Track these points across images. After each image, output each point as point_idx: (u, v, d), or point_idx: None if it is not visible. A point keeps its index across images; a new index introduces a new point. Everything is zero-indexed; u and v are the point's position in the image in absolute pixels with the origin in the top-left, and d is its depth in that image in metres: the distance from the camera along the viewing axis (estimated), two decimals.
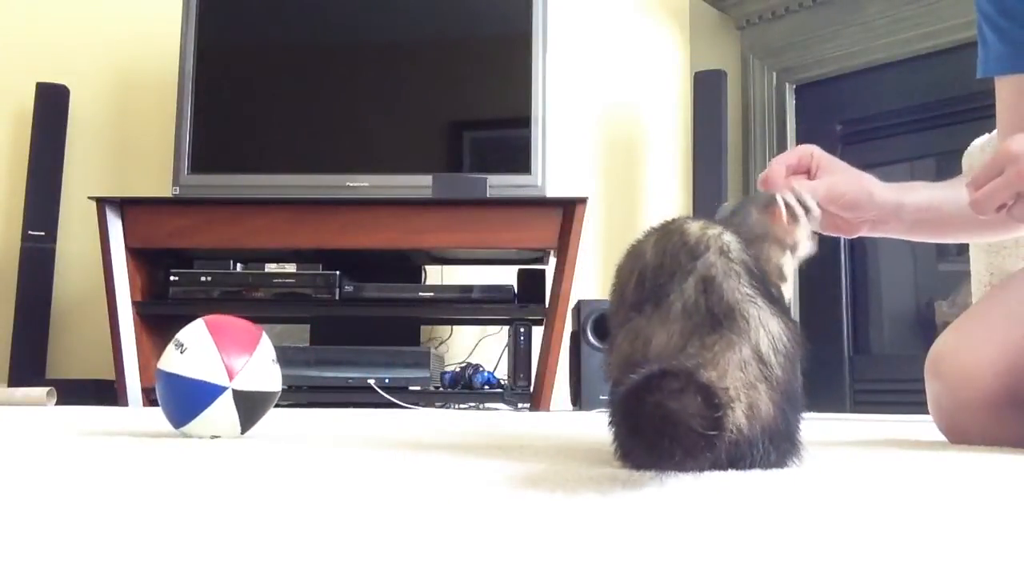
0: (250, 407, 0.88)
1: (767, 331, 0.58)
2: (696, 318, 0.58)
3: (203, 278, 2.51)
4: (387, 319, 2.62)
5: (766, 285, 0.61)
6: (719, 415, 0.48)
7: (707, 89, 2.90)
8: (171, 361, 0.86)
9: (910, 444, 0.96)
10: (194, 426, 0.87)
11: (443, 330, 2.95)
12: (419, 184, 2.54)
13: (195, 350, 0.86)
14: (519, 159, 2.59)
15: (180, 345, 0.87)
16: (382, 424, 1.30)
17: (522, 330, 2.56)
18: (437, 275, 2.87)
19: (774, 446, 0.57)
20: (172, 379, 0.86)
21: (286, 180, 2.60)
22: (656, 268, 0.62)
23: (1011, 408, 0.88)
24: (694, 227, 0.63)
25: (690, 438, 0.46)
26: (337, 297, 2.50)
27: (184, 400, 0.86)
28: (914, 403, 1.11)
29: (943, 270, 2.80)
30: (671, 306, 0.59)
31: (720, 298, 0.58)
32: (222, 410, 0.86)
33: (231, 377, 0.85)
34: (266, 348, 0.90)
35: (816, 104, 3.01)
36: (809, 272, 2.99)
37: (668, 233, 0.64)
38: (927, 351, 1.00)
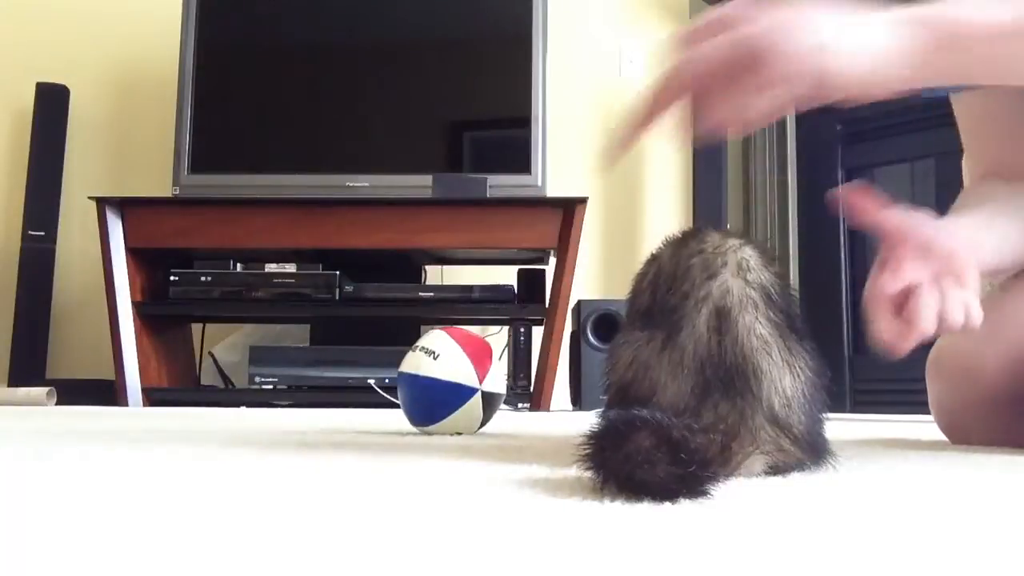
0: (490, 407, 0.99)
1: (779, 392, 0.54)
2: (708, 371, 0.54)
3: (203, 278, 2.51)
4: (387, 319, 2.62)
5: (786, 311, 0.57)
6: (692, 470, 0.44)
7: None
8: (426, 366, 0.97)
9: (910, 444, 0.96)
10: (442, 425, 0.97)
11: None
12: (419, 184, 2.54)
13: (448, 357, 0.97)
14: (519, 159, 2.59)
15: (431, 352, 0.97)
16: (382, 424, 1.30)
17: (522, 330, 2.56)
18: (437, 275, 2.87)
19: (803, 472, 0.56)
20: (428, 382, 0.96)
21: (286, 180, 2.60)
22: (669, 277, 0.59)
23: (1012, 410, 0.88)
24: (714, 235, 0.60)
25: (671, 497, 0.43)
26: (337, 297, 2.50)
27: (439, 401, 0.97)
28: (914, 403, 1.11)
29: None
30: (684, 349, 0.55)
31: (734, 341, 0.55)
32: (471, 410, 0.97)
33: (481, 380, 0.97)
34: (495, 355, 1.02)
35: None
36: (809, 272, 2.98)
37: (686, 239, 0.61)
38: (927, 351, 0.99)
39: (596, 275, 3.01)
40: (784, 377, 0.55)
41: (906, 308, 0.67)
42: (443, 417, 0.97)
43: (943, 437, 0.97)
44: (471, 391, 0.97)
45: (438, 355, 0.97)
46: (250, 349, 2.56)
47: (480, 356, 0.98)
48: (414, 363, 0.98)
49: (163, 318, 2.58)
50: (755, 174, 3.19)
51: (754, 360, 0.54)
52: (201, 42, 2.65)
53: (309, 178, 2.60)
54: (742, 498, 0.45)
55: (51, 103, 2.79)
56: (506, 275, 2.67)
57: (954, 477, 0.61)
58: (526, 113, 2.59)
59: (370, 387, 2.32)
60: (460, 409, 0.97)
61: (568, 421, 1.62)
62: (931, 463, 0.71)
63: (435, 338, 0.99)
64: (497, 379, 1.00)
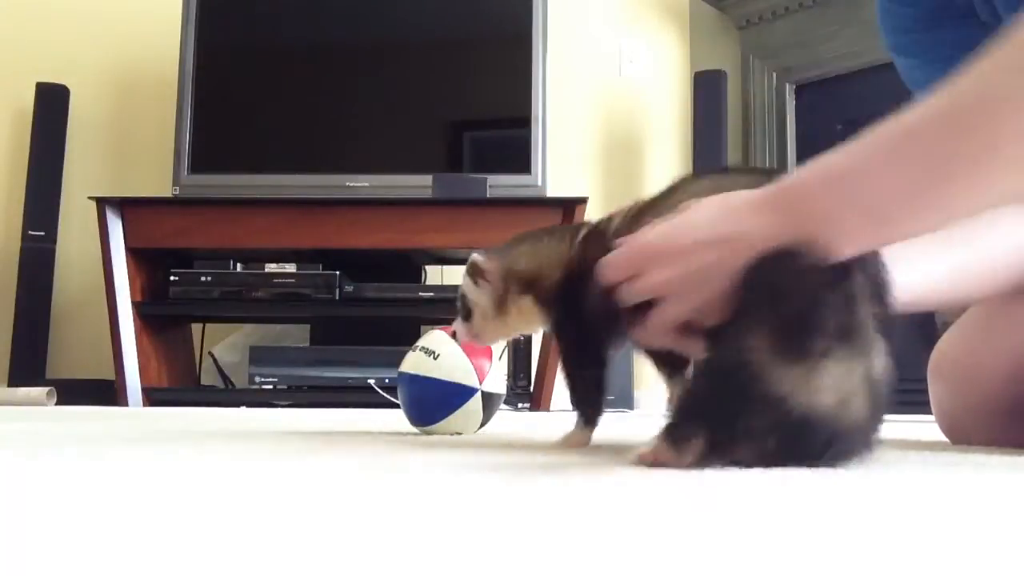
0: (490, 407, 0.99)
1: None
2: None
3: (203, 278, 2.51)
4: (387, 319, 2.62)
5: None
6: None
7: (707, 89, 2.90)
8: (426, 366, 0.96)
9: (910, 444, 0.96)
10: (442, 425, 0.97)
11: None
12: (419, 184, 2.55)
13: (448, 357, 0.96)
14: (519, 159, 2.59)
15: (431, 352, 0.97)
16: (382, 424, 1.30)
17: None
18: (437, 275, 2.87)
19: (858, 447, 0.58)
20: (428, 382, 0.96)
21: (286, 180, 2.60)
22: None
23: (1013, 412, 0.88)
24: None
25: None
26: (337, 297, 2.50)
27: (438, 401, 0.97)
28: (914, 403, 1.11)
29: None
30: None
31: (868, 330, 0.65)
32: (471, 409, 0.97)
33: (481, 380, 0.97)
34: (495, 355, 1.01)
35: (816, 104, 3.01)
36: None
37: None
38: (927, 351, 0.99)
39: None
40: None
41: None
42: (443, 417, 0.97)
43: (944, 437, 0.97)
44: (471, 391, 0.97)
45: (438, 355, 0.97)
46: (250, 349, 2.56)
47: (480, 356, 0.98)
48: (414, 363, 0.98)
49: (163, 318, 2.58)
50: None
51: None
52: (201, 42, 2.65)
53: (309, 178, 2.60)
54: (741, 497, 0.45)
55: (51, 103, 2.79)
56: None
57: (955, 477, 0.61)
58: (526, 113, 2.59)
59: (370, 387, 2.33)
60: (460, 409, 0.97)
61: (568, 421, 1.62)
62: (932, 463, 0.71)
63: (435, 338, 0.99)
64: (497, 379, 1.00)
